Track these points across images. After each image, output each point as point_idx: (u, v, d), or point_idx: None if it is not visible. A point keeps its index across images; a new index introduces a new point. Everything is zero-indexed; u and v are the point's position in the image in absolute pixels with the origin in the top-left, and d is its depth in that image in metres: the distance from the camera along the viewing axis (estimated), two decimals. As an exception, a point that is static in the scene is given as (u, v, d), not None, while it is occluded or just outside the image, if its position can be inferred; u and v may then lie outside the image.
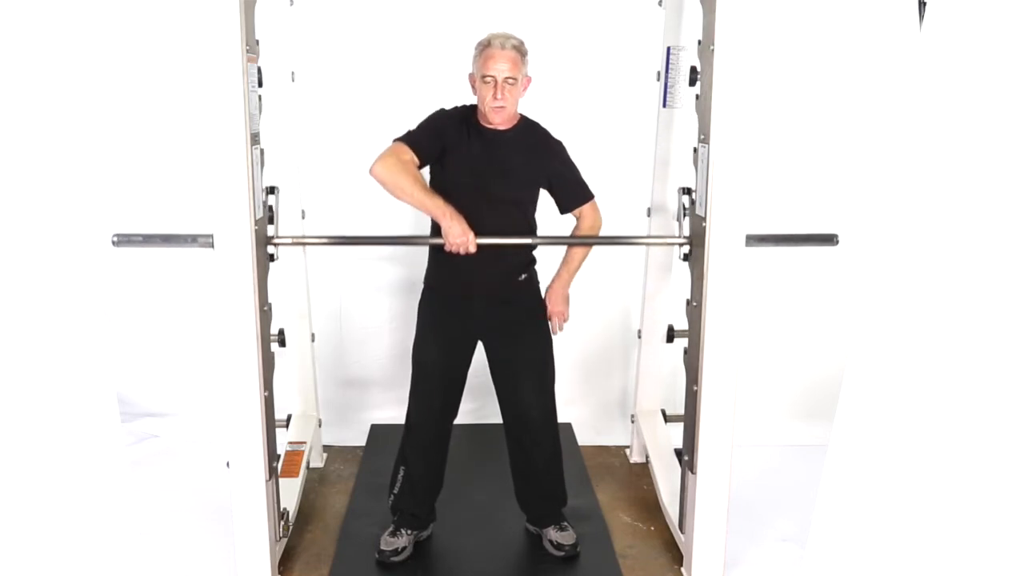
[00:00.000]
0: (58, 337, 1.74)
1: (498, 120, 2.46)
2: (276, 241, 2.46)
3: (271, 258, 2.46)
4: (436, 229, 2.53)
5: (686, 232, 2.53)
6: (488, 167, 2.48)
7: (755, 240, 2.36)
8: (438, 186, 2.49)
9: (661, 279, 3.26)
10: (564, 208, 2.61)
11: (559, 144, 2.58)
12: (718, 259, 2.35)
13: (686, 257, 2.54)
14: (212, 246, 2.25)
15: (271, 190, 2.46)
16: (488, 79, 2.40)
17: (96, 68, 3.23)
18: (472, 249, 2.39)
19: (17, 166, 1.66)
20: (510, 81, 2.40)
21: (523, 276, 2.61)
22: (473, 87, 2.49)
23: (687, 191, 2.54)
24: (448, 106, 2.54)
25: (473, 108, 2.53)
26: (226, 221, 2.24)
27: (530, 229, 2.60)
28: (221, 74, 2.16)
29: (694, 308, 2.48)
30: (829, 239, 2.51)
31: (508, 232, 2.51)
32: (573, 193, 2.59)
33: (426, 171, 2.51)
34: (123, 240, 2.35)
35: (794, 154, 3.42)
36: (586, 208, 2.61)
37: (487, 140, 2.49)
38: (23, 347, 1.69)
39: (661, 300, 3.26)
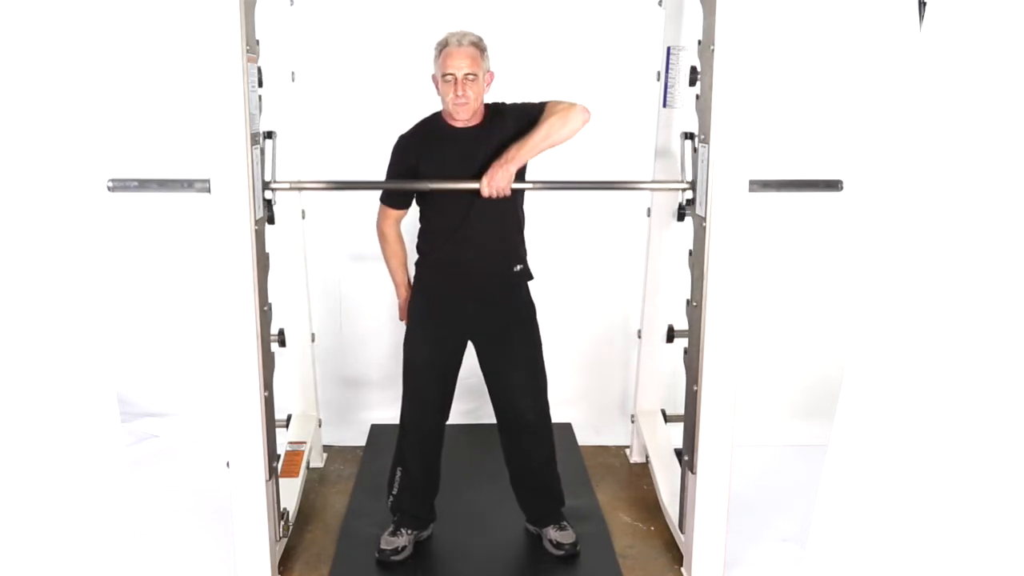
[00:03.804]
0: (58, 336, 1.75)
1: (464, 116, 2.45)
2: (274, 186, 2.43)
3: (269, 206, 2.43)
4: (425, 232, 2.57)
5: (689, 177, 2.47)
6: (465, 167, 2.46)
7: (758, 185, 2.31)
8: (428, 198, 2.53)
9: (661, 279, 3.25)
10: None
11: (512, 105, 2.53)
12: (721, 207, 2.31)
13: (690, 202, 2.46)
14: (208, 191, 2.24)
15: (268, 134, 2.42)
16: (448, 77, 2.41)
17: (96, 69, 3.23)
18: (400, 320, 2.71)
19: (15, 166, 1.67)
20: (470, 77, 2.41)
21: (518, 267, 2.59)
22: (437, 88, 2.49)
23: (689, 136, 2.48)
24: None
25: (437, 114, 2.54)
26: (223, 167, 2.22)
27: (520, 221, 2.58)
28: (221, 74, 2.17)
29: (694, 308, 2.48)
30: (833, 184, 2.47)
31: (500, 228, 2.50)
32: (531, 118, 2.45)
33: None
34: (119, 185, 2.34)
35: (793, 154, 3.42)
36: (546, 108, 2.46)
37: (458, 139, 2.49)
38: (23, 347, 1.70)
39: (661, 300, 3.27)
